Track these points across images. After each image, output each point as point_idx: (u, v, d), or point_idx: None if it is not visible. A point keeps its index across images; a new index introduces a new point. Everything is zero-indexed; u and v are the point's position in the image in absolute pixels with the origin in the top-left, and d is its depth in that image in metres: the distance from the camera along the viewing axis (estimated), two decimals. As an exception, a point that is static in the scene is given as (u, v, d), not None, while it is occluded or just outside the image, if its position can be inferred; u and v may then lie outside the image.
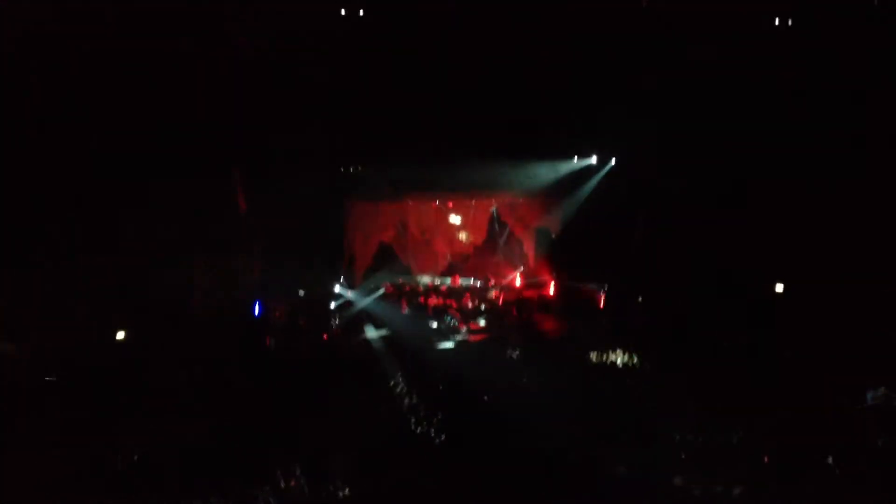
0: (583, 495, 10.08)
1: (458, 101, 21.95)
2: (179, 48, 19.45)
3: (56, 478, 11.58)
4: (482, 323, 22.45)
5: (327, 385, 17.16)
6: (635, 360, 18.88)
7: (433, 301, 22.97)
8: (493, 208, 25.65)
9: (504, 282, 25.28)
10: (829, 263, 21.82)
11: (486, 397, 15.43)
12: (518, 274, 25.32)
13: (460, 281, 25.03)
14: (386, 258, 25.32)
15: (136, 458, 12.64)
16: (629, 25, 21.41)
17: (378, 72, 21.49)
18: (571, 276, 24.93)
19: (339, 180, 23.17)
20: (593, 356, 19.26)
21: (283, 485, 11.36)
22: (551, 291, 24.82)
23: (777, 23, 20.98)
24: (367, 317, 23.32)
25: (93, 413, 14.87)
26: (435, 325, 22.20)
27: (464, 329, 21.99)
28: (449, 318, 22.54)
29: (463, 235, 25.81)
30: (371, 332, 22.01)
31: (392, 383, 17.38)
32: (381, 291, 24.29)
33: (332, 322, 22.01)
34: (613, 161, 23.71)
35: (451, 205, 25.41)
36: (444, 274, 25.57)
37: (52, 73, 18.62)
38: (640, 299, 22.65)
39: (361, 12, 20.66)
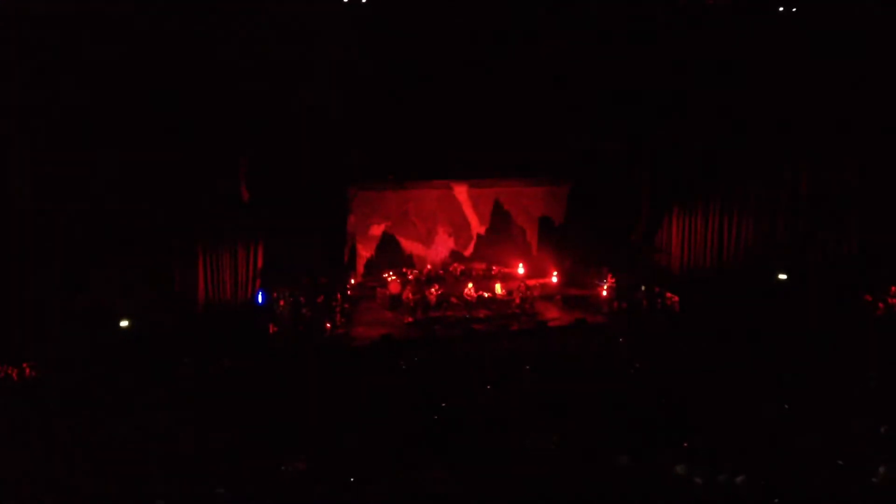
0: (584, 484, 10.07)
1: (460, 88, 22.02)
2: (184, 40, 19.53)
3: (57, 471, 11.61)
4: (485, 312, 22.41)
5: (333, 374, 17.21)
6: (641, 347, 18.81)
7: (435, 290, 22.92)
8: (497, 196, 25.60)
9: (507, 270, 25.27)
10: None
11: (488, 386, 15.42)
12: (521, 263, 25.30)
13: (462, 269, 24.99)
14: (388, 247, 25.31)
15: (137, 449, 12.63)
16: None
17: (379, 59, 21.54)
18: (575, 265, 24.97)
19: (343, 168, 23.18)
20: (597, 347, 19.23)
21: (287, 477, 11.34)
22: (554, 280, 24.84)
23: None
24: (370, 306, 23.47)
25: (94, 404, 14.92)
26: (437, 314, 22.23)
27: (467, 317, 21.98)
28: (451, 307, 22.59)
29: (465, 224, 25.77)
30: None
31: (394, 372, 17.41)
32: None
33: (335, 311, 21.97)
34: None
35: (454, 192, 25.36)
36: (445, 262, 25.54)
37: (60, 69, 18.71)
38: (643, 288, 22.68)
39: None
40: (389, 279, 24.12)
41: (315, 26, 20.76)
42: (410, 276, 24.52)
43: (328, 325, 21.24)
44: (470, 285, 23.35)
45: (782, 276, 22.02)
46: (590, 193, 24.43)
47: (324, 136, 21.87)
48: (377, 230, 25.19)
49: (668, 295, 22.24)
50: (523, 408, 13.70)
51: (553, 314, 22.49)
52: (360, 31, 21.22)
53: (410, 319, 21.97)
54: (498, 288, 23.39)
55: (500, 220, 25.88)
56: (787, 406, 12.82)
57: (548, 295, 23.93)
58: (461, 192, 25.43)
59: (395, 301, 23.01)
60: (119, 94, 19.12)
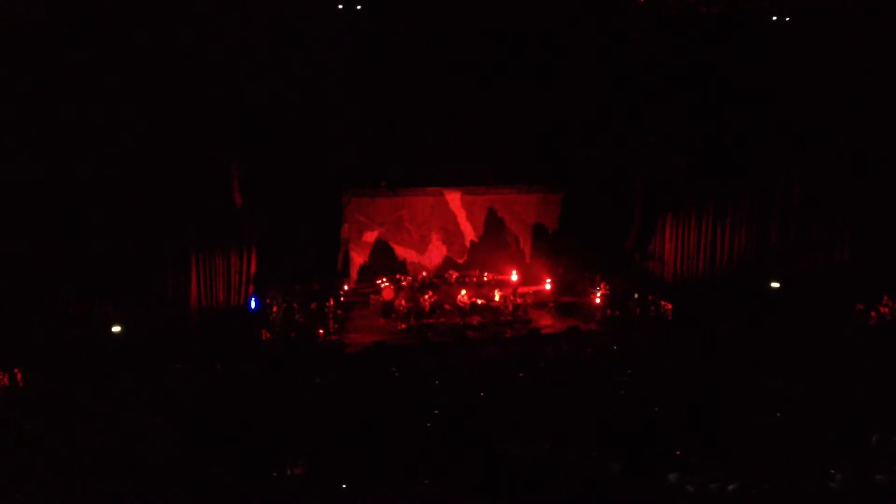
0: (577, 494, 10.06)
1: (453, 95, 22.08)
2: (177, 45, 19.52)
3: (47, 477, 11.54)
4: (478, 319, 22.40)
5: (325, 381, 17.17)
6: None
7: (429, 297, 22.89)
8: (490, 203, 25.64)
9: (500, 277, 25.26)
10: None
11: (481, 393, 15.39)
12: (514, 270, 25.29)
13: (456, 276, 24.97)
14: (381, 253, 25.30)
15: (132, 454, 12.58)
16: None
17: (374, 65, 21.58)
18: (568, 273, 24.98)
19: (336, 174, 23.22)
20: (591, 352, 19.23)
21: (283, 482, 11.29)
22: (548, 287, 24.82)
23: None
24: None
25: (86, 410, 14.86)
26: (430, 321, 22.21)
27: (460, 324, 21.97)
28: (444, 314, 22.58)
29: (459, 231, 25.78)
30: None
31: (387, 379, 17.36)
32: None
33: (328, 317, 21.95)
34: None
35: (447, 199, 25.38)
36: (439, 269, 25.52)
37: (51, 68, 18.65)
38: (636, 296, 22.71)
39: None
40: (383, 286, 24.08)
41: (310, 33, 20.79)
42: (404, 283, 24.50)
43: (321, 331, 21.22)
44: (463, 292, 23.34)
45: (775, 285, 22.06)
46: (583, 201, 24.48)
47: (317, 143, 21.88)
48: (371, 236, 25.19)
49: (661, 302, 22.27)
50: (516, 415, 13.67)
51: (546, 321, 22.52)
52: (355, 37, 21.25)
53: (404, 326, 21.97)
54: (497, 295, 23.36)
55: (493, 228, 25.91)
56: (779, 414, 12.83)
57: (541, 302, 23.94)
58: (455, 199, 25.45)
59: (389, 308, 22.99)
60: (111, 100, 19.08)
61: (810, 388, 14.09)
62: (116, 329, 19.08)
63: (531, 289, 24.52)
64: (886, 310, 20.10)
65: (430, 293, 23.23)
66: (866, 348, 17.42)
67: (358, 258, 25.12)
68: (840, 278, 22.16)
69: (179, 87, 19.72)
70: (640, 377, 16.19)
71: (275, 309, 21.56)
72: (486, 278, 25.13)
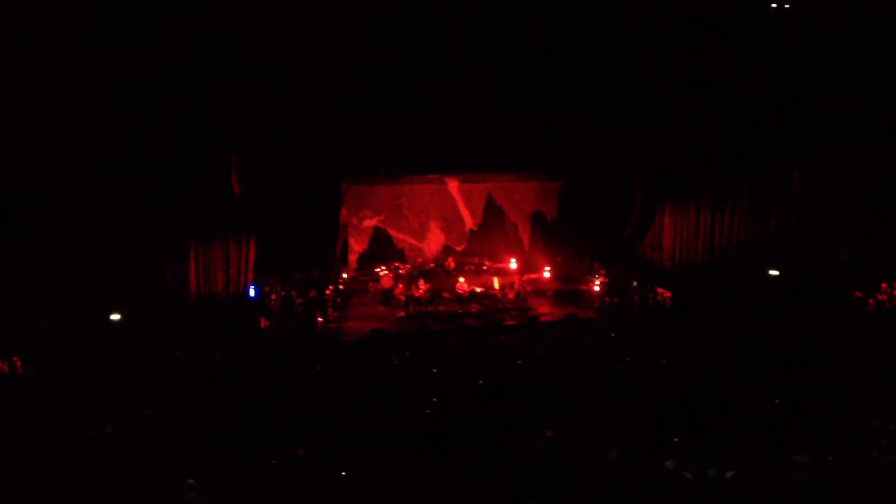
0: (575, 480, 10.08)
1: (453, 83, 22.03)
2: (176, 34, 19.46)
3: (47, 465, 11.56)
4: (476, 307, 22.41)
5: (324, 368, 17.18)
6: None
7: (427, 285, 22.89)
8: (489, 191, 25.64)
9: (499, 265, 25.29)
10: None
11: (480, 381, 15.41)
12: (513, 258, 25.31)
13: (455, 264, 24.98)
14: (380, 241, 25.31)
15: (130, 442, 12.59)
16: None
17: (373, 53, 21.52)
18: (567, 261, 25.00)
19: (335, 163, 23.20)
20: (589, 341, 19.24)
21: (280, 469, 11.31)
22: (546, 275, 24.84)
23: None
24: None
25: (85, 397, 14.88)
26: (429, 309, 22.21)
27: (459, 312, 21.97)
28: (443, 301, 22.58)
29: (458, 219, 25.79)
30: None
31: (386, 367, 17.38)
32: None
33: (327, 305, 21.97)
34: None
35: (446, 187, 25.37)
36: (438, 257, 25.54)
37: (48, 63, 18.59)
38: (634, 284, 22.72)
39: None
40: (381, 273, 24.11)
41: (308, 21, 20.71)
42: (402, 271, 24.52)
43: (320, 319, 21.23)
44: (462, 280, 23.34)
45: (774, 272, 22.06)
46: (582, 189, 24.47)
47: (316, 131, 21.84)
48: (369, 224, 25.20)
49: (660, 290, 22.28)
50: (514, 402, 13.69)
51: (545, 309, 22.53)
52: (353, 25, 21.17)
53: (402, 314, 21.98)
54: (495, 283, 23.35)
55: (492, 216, 25.92)
56: (777, 401, 12.85)
57: (540, 290, 23.96)
58: (454, 186, 25.45)
59: (387, 295, 23.00)
60: (110, 90, 19.02)
61: (809, 375, 14.12)
62: (115, 317, 19.08)
63: (530, 277, 24.53)
64: (884, 297, 20.11)
65: (427, 281, 23.23)
66: (864, 335, 17.45)
67: (357, 246, 25.13)
68: (838, 266, 22.15)
69: (179, 78, 19.67)
70: (638, 365, 16.20)
71: (273, 297, 21.57)
72: (484, 266, 25.15)
